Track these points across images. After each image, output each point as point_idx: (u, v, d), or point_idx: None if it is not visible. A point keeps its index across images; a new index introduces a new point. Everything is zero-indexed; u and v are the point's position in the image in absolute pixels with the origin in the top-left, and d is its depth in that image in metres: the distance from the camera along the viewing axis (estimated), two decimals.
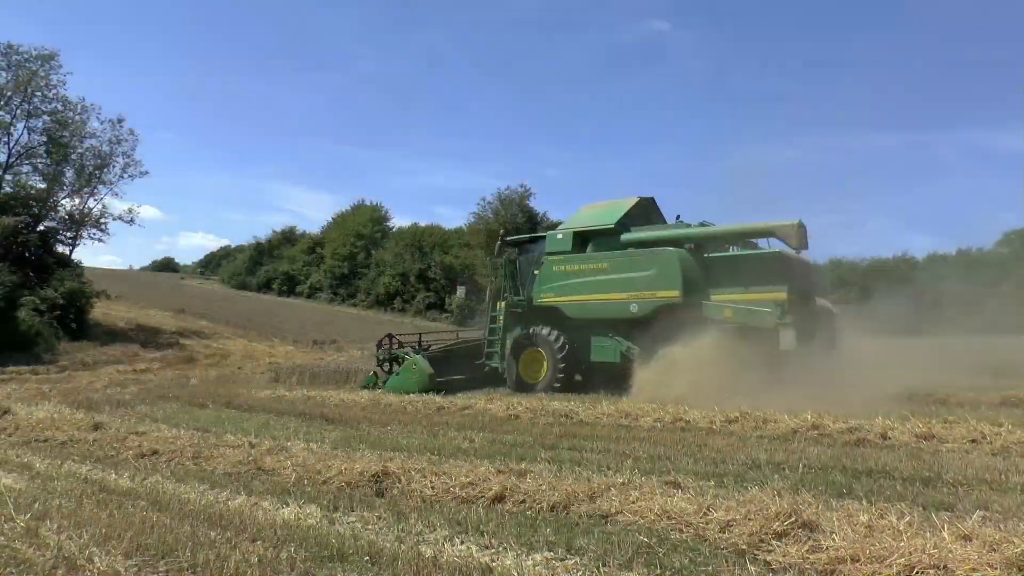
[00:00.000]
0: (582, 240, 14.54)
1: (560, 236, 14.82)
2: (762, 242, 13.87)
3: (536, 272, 14.77)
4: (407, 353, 15.33)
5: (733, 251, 14.15)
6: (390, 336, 16.43)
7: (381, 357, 16.03)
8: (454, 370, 15.52)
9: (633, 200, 15.15)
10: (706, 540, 4.08)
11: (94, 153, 32.78)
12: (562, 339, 14.03)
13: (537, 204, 68.57)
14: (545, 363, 14.21)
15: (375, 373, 15.82)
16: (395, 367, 15.40)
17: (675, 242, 13.63)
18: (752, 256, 13.53)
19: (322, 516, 4.84)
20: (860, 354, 14.69)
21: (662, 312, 12.86)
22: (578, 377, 14.43)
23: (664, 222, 15.26)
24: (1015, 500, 4.75)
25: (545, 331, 14.26)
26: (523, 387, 14.23)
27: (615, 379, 13.34)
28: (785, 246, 13.21)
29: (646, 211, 15.29)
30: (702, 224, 14.27)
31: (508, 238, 16.71)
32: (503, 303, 15.30)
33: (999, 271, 54.33)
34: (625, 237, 14.21)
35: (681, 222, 14.78)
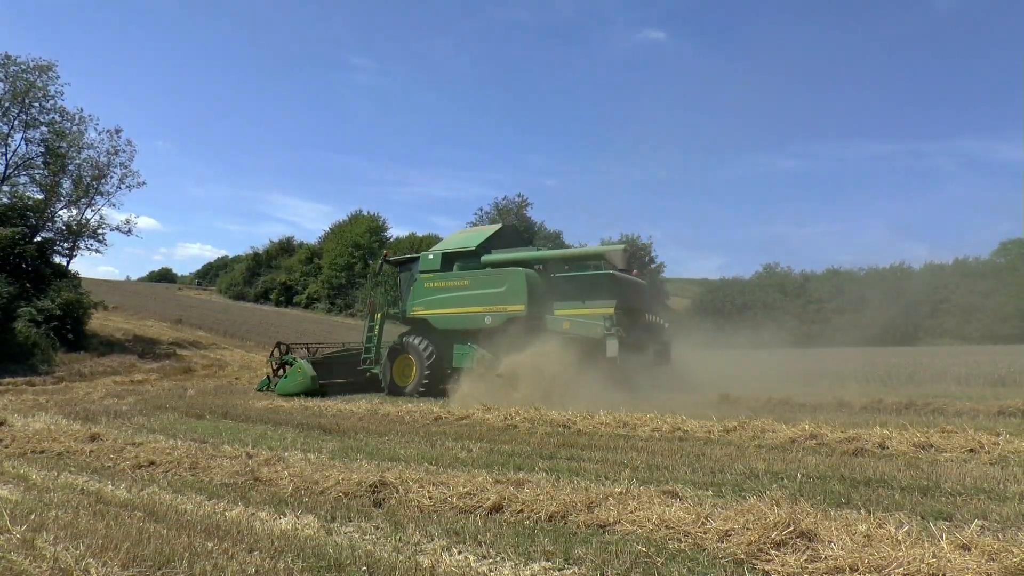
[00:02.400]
0: (449, 260, 16.47)
1: (431, 257, 16.83)
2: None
3: (411, 288, 16.66)
4: (295, 359, 17.08)
5: (573, 272, 16.09)
6: (279, 344, 18.37)
7: (273, 363, 17.85)
8: (337, 375, 17.49)
9: (497, 227, 17.77)
10: (704, 550, 4.08)
11: (91, 164, 32.82)
12: (430, 348, 15.81)
13: (534, 214, 68.94)
14: (414, 369, 15.97)
15: (268, 376, 17.69)
16: (285, 371, 17.10)
17: (526, 263, 15.61)
18: (587, 276, 15.43)
19: (320, 526, 4.82)
20: (691, 365, 16.74)
21: (511, 324, 14.64)
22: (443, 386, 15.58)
23: (527, 246, 17.56)
24: (1013, 509, 4.75)
25: (415, 340, 16.04)
26: (395, 390, 16.01)
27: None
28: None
29: (509, 236, 17.67)
30: (550, 248, 16.96)
31: (390, 258, 18.78)
32: (379, 315, 17.45)
33: (996, 280, 54.69)
34: (485, 258, 16.12)
35: (532, 246, 17.56)
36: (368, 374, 17.23)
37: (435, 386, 15.49)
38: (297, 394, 15.46)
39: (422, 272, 16.63)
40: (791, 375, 17.16)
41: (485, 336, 15.13)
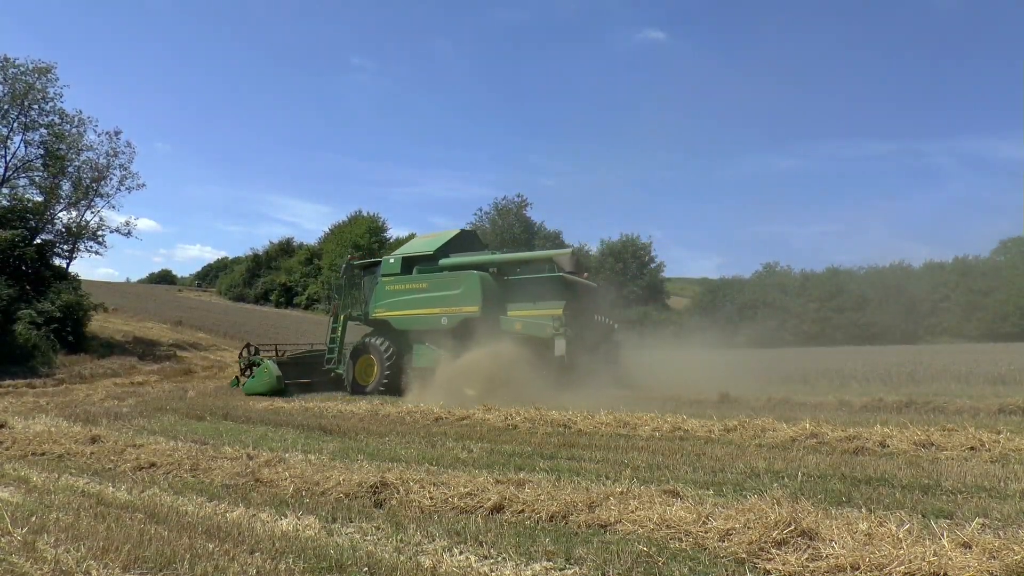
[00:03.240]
0: (409, 264, 17.09)
1: (392, 261, 17.47)
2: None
3: (373, 290, 17.34)
4: (262, 359, 17.70)
5: (526, 275, 16.71)
6: (248, 345, 19.26)
7: (242, 363, 18.57)
8: (302, 375, 18.25)
9: (455, 231, 18.14)
10: (705, 549, 4.08)
11: (91, 166, 32.84)
12: (390, 348, 16.44)
13: (534, 214, 68.98)
14: (376, 368, 16.56)
15: (236, 377, 18.50)
16: (253, 371, 17.73)
17: (481, 267, 16.26)
18: (539, 278, 15.98)
19: (320, 527, 4.83)
20: (640, 365, 17.53)
21: (466, 324, 15.31)
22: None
23: (482, 250, 18.11)
24: (1014, 507, 4.75)
25: (377, 341, 16.66)
26: (358, 389, 16.58)
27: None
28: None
29: (466, 241, 18.23)
30: (503, 252, 17.69)
31: (355, 262, 19.31)
32: (343, 317, 17.92)
33: (996, 278, 54.70)
34: (443, 262, 16.76)
35: (488, 250, 18.20)
36: (332, 374, 17.79)
37: (395, 385, 16.04)
38: (264, 393, 16.22)
39: (383, 275, 17.29)
40: (742, 374, 17.79)
41: (442, 336, 15.74)
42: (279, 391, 16.30)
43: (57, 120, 31.18)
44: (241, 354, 19.10)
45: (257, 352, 18.89)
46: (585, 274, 17.45)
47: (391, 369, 16.23)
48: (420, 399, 13.13)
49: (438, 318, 15.89)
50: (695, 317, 61.79)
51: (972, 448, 7.01)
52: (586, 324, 15.74)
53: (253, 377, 17.24)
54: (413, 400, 13.26)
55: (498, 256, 17.09)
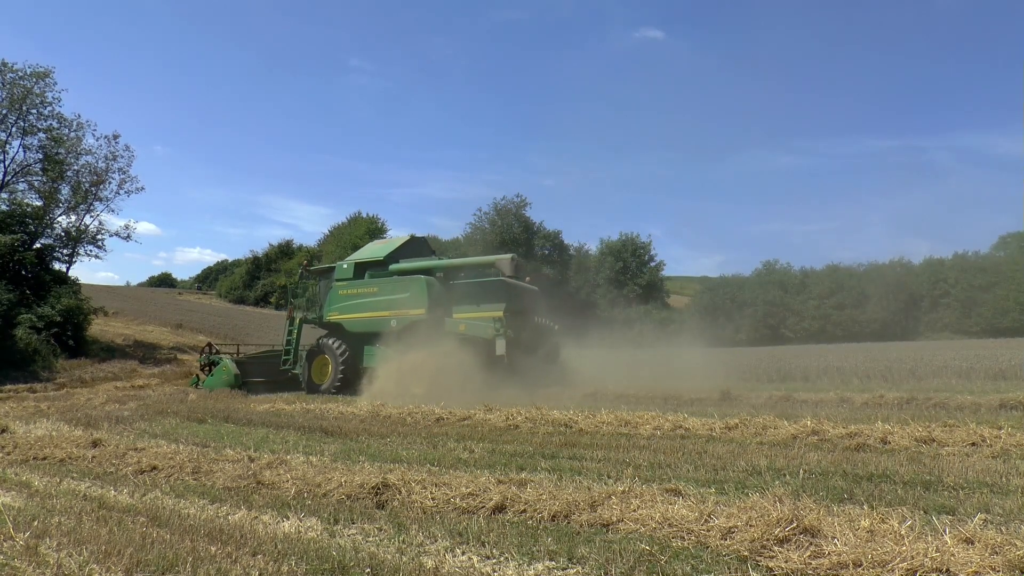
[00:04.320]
0: (361, 270, 18.12)
1: (345, 266, 18.44)
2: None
3: (328, 295, 18.32)
4: (221, 358, 19.00)
5: (471, 279, 17.65)
6: (209, 344, 20.62)
7: (202, 361, 19.73)
8: (260, 373, 19.28)
9: (405, 238, 19.41)
10: (708, 547, 4.08)
11: (90, 170, 32.74)
12: (344, 349, 17.34)
13: (533, 214, 68.90)
14: (330, 368, 17.55)
15: (197, 375, 19.59)
16: (212, 369, 18.98)
17: (428, 271, 17.34)
18: (482, 282, 16.97)
19: (323, 529, 4.83)
20: (579, 363, 18.47)
21: (414, 326, 16.21)
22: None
23: (431, 256, 19.11)
24: (1016, 503, 4.75)
25: (331, 342, 17.63)
26: (313, 388, 17.65)
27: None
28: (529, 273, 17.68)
29: (416, 247, 19.39)
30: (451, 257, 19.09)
31: (310, 268, 20.37)
32: (298, 319, 18.94)
33: (996, 273, 54.71)
34: (393, 267, 17.83)
35: (435, 255, 19.25)
36: (289, 373, 18.80)
37: (349, 384, 16.92)
38: (223, 389, 17.96)
39: (337, 280, 18.23)
40: (670, 372, 18.83)
41: (392, 338, 16.59)
42: (237, 388, 17.78)
43: (55, 124, 31.14)
44: (202, 351, 20.42)
45: (217, 351, 20.18)
46: (527, 278, 18.61)
47: (345, 369, 17.11)
48: (375, 399, 13.76)
49: (388, 321, 16.81)
50: (694, 315, 61.92)
51: (973, 444, 7.01)
52: (526, 325, 16.68)
53: (212, 375, 18.56)
54: (367, 399, 13.83)
55: (444, 262, 18.19)
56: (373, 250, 19.26)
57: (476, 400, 11.98)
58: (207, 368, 19.36)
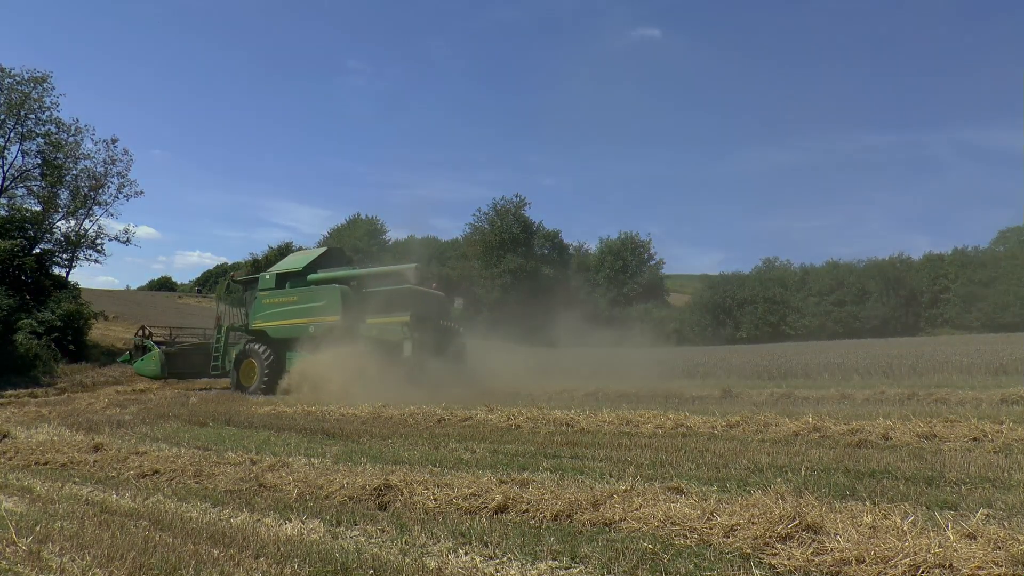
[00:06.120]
0: (282, 280, 19.36)
1: (268, 277, 19.70)
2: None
3: (253, 303, 19.55)
4: (153, 345, 20.33)
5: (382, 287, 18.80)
6: (143, 327, 21.66)
7: (135, 343, 21.21)
8: (188, 366, 20.91)
9: (322, 250, 20.69)
10: (710, 545, 4.08)
11: (89, 174, 32.64)
12: (269, 354, 18.57)
13: (533, 214, 68.98)
14: (256, 371, 18.75)
15: (129, 353, 21.32)
16: (144, 353, 20.45)
17: (344, 281, 18.49)
18: (391, 291, 18.09)
19: (325, 531, 4.82)
20: (484, 363, 19.94)
21: (330, 332, 17.43)
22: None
23: (346, 266, 20.33)
24: (1018, 498, 4.75)
25: (257, 347, 18.90)
26: (241, 389, 18.73)
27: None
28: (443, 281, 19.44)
29: (333, 257, 20.53)
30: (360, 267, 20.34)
31: (237, 279, 21.72)
32: (225, 327, 20.27)
33: (996, 268, 54.70)
34: (311, 277, 18.96)
35: (349, 265, 20.51)
36: (217, 372, 20.38)
37: (274, 386, 18.05)
38: (148, 376, 20.01)
39: (261, 290, 19.47)
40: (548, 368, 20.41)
41: (311, 343, 17.77)
42: (162, 376, 19.72)
43: (54, 129, 31.05)
44: (137, 333, 21.60)
45: (150, 336, 21.38)
46: (433, 284, 20.21)
47: (269, 372, 18.34)
48: (298, 399, 14.97)
49: (306, 327, 18.07)
50: (695, 314, 61.82)
51: (975, 439, 7.01)
52: (432, 329, 17.87)
53: (143, 360, 20.16)
54: (293, 400, 15.03)
55: (357, 271, 19.57)
56: (293, 261, 20.60)
57: (382, 398, 13.13)
58: (139, 350, 20.74)
